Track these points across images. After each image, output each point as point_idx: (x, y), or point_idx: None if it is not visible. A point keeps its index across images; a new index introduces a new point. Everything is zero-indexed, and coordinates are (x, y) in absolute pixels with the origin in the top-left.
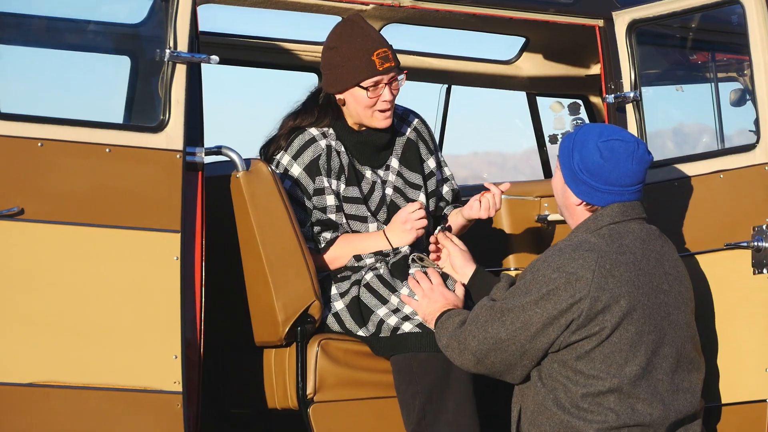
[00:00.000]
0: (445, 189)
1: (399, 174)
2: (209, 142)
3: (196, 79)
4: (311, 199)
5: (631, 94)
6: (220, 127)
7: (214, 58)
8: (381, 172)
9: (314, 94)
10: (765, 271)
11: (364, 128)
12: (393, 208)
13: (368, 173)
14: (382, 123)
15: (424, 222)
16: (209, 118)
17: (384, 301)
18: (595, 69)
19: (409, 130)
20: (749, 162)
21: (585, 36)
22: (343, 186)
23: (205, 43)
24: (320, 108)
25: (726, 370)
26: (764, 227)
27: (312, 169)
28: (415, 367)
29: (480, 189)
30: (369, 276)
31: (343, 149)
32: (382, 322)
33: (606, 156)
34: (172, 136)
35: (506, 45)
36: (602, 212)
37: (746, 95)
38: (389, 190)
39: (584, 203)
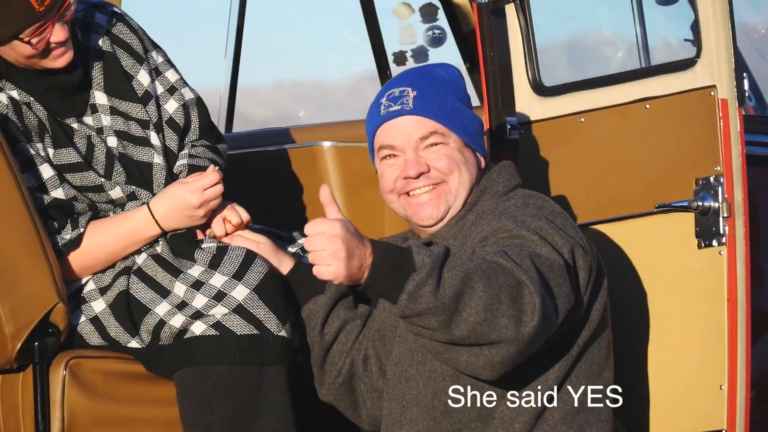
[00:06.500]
0: (178, 113)
1: (113, 111)
2: None
3: None
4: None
5: None
6: None
7: None
8: (89, 119)
9: None
10: (715, 242)
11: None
12: (128, 164)
13: (76, 125)
14: (59, 62)
15: (218, 201)
16: None
17: (164, 293)
18: None
19: (101, 39)
20: (687, 85)
21: None
22: (51, 150)
23: None
24: None
25: (672, 393)
26: (711, 180)
27: (8, 135)
28: (208, 388)
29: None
30: (141, 258)
31: (32, 99)
32: (162, 323)
33: None
34: None
35: None
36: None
37: None
38: (113, 141)
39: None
